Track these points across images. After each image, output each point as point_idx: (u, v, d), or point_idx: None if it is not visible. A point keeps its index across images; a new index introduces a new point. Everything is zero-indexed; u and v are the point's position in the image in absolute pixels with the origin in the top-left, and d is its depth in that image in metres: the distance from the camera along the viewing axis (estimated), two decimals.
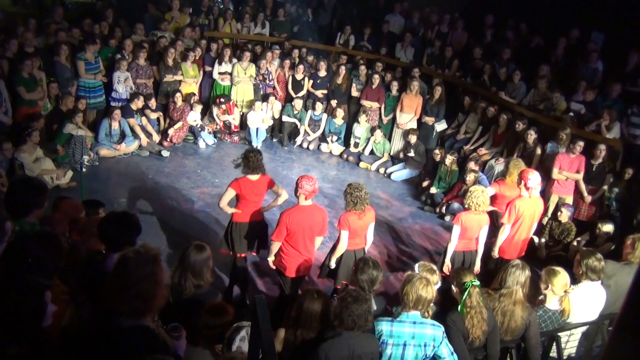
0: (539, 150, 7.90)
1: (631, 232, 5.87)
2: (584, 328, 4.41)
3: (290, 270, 4.99)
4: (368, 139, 9.70)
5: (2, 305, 2.40)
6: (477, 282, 3.80)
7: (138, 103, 8.92)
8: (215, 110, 9.89)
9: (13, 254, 2.76)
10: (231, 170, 8.97)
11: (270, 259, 5.09)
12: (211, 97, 10.15)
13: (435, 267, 4.34)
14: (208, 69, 10.12)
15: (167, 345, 2.77)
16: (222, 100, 9.80)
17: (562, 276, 4.18)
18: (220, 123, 9.96)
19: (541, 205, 5.70)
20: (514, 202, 5.50)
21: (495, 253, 5.62)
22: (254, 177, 5.30)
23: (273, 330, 3.25)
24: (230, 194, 5.27)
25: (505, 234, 5.53)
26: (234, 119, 9.98)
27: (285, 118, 10.15)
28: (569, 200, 7.36)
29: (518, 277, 3.97)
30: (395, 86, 9.73)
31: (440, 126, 9.65)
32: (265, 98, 10.09)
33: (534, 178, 5.45)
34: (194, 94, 9.76)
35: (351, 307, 3.28)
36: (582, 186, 7.37)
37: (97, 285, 2.95)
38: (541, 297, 4.35)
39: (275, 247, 4.96)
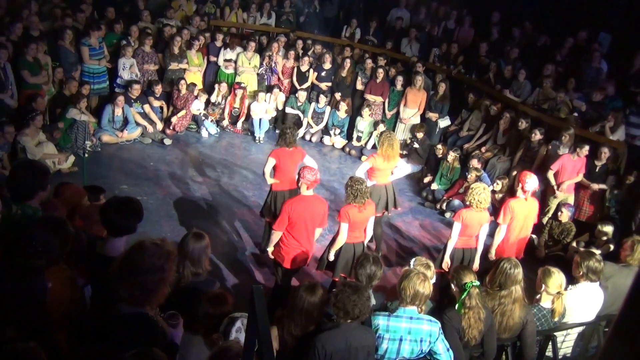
0: (543, 150, 7.88)
1: (630, 234, 5.88)
2: (580, 328, 4.43)
3: (288, 261, 5.01)
4: (371, 133, 9.67)
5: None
6: (477, 283, 3.80)
7: (133, 92, 8.80)
8: (220, 94, 9.85)
9: (18, 237, 2.76)
10: (233, 160, 9.10)
11: (270, 249, 5.11)
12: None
13: (430, 263, 4.32)
14: (213, 58, 10.07)
15: (166, 333, 2.78)
16: (241, 85, 9.78)
17: (556, 277, 4.18)
18: (224, 105, 9.90)
19: (536, 206, 5.69)
20: (508, 202, 5.50)
21: (492, 254, 5.56)
22: (289, 148, 5.93)
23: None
24: (271, 162, 5.93)
25: (502, 235, 5.51)
26: (243, 108, 9.94)
27: (288, 110, 10.12)
28: (570, 200, 7.36)
29: (516, 276, 3.98)
30: (400, 81, 9.68)
31: (444, 122, 9.64)
32: (269, 89, 10.06)
33: (532, 181, 5.42)
34: (194, 85, 9.65)
35: (341, 296, 3.30)
36: (585, 181, 7.37)
37: (97, 271, 2.96)
38: (538, 296, 4.36)
39: (276, 237, 4.98)
